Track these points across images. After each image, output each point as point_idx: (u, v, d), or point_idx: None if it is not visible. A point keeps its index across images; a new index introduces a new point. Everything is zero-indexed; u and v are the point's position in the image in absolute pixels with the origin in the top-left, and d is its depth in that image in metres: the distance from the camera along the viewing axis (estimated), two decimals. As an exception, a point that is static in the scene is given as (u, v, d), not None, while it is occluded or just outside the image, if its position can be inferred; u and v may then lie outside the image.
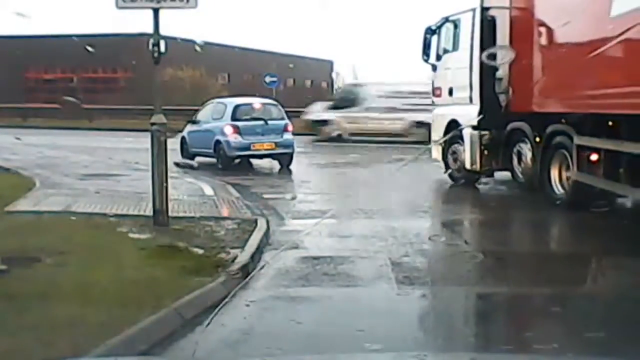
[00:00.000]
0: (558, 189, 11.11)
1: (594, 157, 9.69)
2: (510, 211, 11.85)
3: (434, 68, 14.70)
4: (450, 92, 14.06)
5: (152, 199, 9.33)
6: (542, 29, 11.20)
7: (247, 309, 6.35)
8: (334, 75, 54.73)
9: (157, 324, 5.53)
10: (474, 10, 13.06)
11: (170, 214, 9.43)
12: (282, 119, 17.81)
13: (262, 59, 44.25)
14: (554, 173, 11.14)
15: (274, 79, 31.92)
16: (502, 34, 12.49)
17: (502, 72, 12.66)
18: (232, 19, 74.21)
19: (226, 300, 6.18)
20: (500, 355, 3.36)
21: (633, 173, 8.55)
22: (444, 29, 14.25)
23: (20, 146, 21.11)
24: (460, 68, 13.48)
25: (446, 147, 14.14)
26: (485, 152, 12.99)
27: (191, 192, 12.60)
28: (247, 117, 17.47)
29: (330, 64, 55.27)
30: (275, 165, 17.62)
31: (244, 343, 5.52)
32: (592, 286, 6.78)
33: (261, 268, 7.64)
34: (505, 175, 13.31)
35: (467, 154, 13.35)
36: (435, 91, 14.86)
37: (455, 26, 13.83)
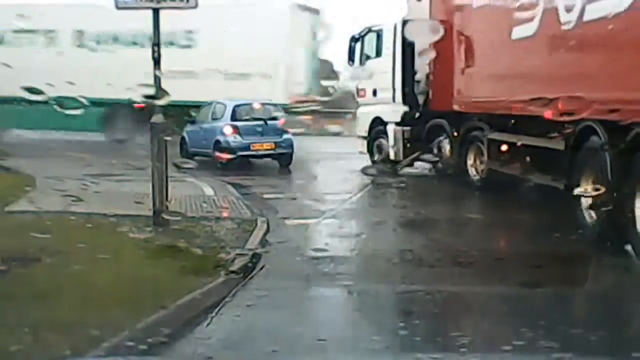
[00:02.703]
0: (474, 175, 13.35)
1: (503, 148, 11.60)
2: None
3: (358, 72, 16.78)
4: (375, 93, 16.11)
5: (152, 198, 9.33)
6: (459, 41, 13.22)
7: (247, 309, 6.35)
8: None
9: (157, 324, 5.52)
10: (395, 23, 14.98)
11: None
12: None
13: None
14: (470, 162, 13.39)
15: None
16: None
17: (420, 75, 14.75)
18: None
19: (226, 300, 6.19)
20: (500, 356, 3.36)
21: (532, 161, 10.58)
22: (367, 38, 16.27)
23: (20, 146, 21.08)
24: (383, 72, 15.29)
25: (371, 141, 16.27)
26: (408, 145, 14.98)
27: (191, 192, 12.59)
28: (247, 117, 17.47)
29: (330, 65, 55.10)
30: (275, 165, 17.62)
31: (244, 343, 5.51)
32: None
33: (261, 268, 7.64)
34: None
35: (391, 147, 15.40)
36: (360, 92, 17.07)
37: (378, 36, 15.88)
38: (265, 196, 12.81)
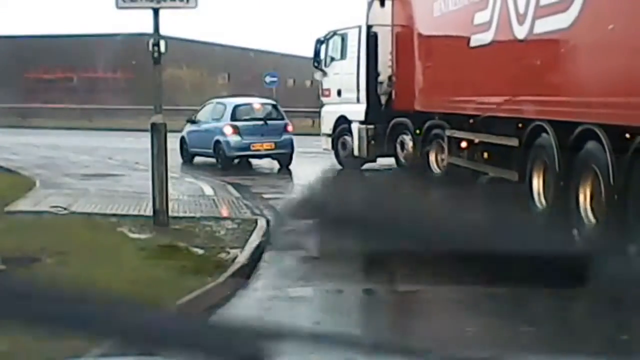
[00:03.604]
0: (435, 170, 14.35)
1: (463, 144, 12.48)
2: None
3: (324, 73, 17.47)
4: (339, 93, 16.86)
5: (152, 199, 9.34)
6: (420, 45, 14.38)
7: (247, 309, 6.36)
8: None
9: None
10: (359, 27, 15.90)
11: (170, 213, 9.44)
12: (282, 119, 17.82)
13: (262, 59, 44.29)
14: (432, 157, 14.38)
15: (274, 79, 31.86)
16: (383, 47, 15.60)
17: (382, 77, 15.74)
18: (232, 19, 74.24)
19: (226, 300, 6.19)
20: (500, 356, 3.36)
21: (489, 156, 11.54)
22: (331, 41, 17.00)
23: (20, 146, 21.11)
24: (348, 73, 16.23)
25: (335, 138, 17.05)
26: (372, 142, 15.92)
27: (191, 192, 12.60)
28: (247, 117, 17.47)
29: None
30: (275, 165, 17.62)
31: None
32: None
33: (261, 268, 7.64)
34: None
35: (355, 144, 16.22)
36: (325, 92, 17.69)
37: (343, 39, 16.62)
38: (265, 196, 12.81)
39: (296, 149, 17.57)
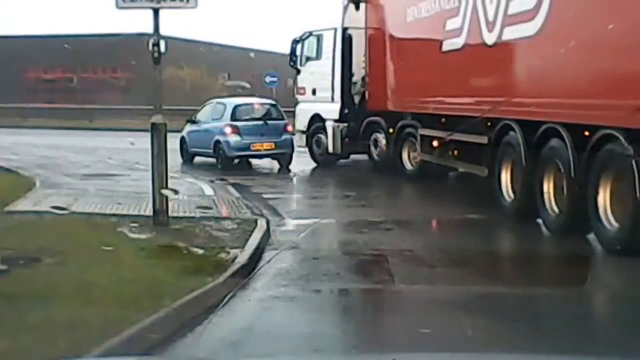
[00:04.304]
0: (408, 166, 15.17)
1: (434, 143, 13.14)
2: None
3: (298, 72, 18.18)
4: (314, 92, 17.51)
5: (152, 199, 9.33)
6: (392, 47, 15.15)
7: (247, 309, 6.35)
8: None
9: (156, 324, 5.52)
10: (335, 29, 16.71)
11: (170, 214, 9.44)
12: (282, 119, 17.81)
13: (262, 59, 44.25)
14: (405, 155, 15.17)
15: (274, 79, 31.84)
16: (357, 48, 16.31)
17: (356, 77, 16.46)
18: (232, 19, 74.23)
19: (226, 300, 6.19)
20: (500, 355, 3.37)
21: (460, 153, 12.33)
22: (307, 42, 17.67)
23: (20, 146, 21.10)
24: (323, 73, 16.93)
25: (310, 136, 17.62)
26: (346, 139, 16.68)
27: (191, 192, 12.59)
28: (247, 117, 17.47)
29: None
30: (275, 165, 17.62)
31: (243, 343, 5.52)
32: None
33: (261, 268, 7.64)
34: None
35: (330, 141, 16.90)
36: (299, 90, 18.30)
37: (318, 40, 17.32)
38: (265, 196, 12.81)
39: (296, 149, 17.61)
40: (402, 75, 14.82)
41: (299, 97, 18.38)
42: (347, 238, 9.76)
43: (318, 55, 17.31)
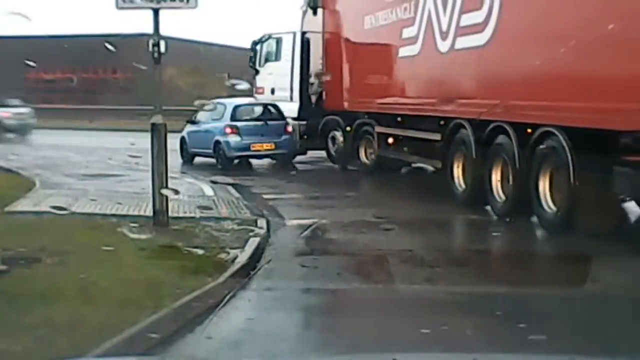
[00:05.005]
0: (365, 161, 16.21)
1: (390, 140, 14.43)
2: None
3: (257, 72, 19.10)
4: (272, 92, 18.41)
5: (152, 199, 9.33)
6: (349, 51, 16.27)
7: (247, 309, 6.36)
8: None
9: (157, 324, 5.52)
10: (294, 32, 17.73)
11: (170, 214, 9.44)
12: (282, 119, 17.79)
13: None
14: (362, 151, 16.26)
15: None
16: (315, 51, 17.37)
17: (312, 79, 17.49)
18: (232, 19, 74.14)
19: (226, 300, 6.19)
20: (500, 356, 3.37)
21: (416, 148, 13.45)
22: (266, 44, 18.69)
23: (20, 146, 21.10)
24: (282, 74, 17.89)
25: None
26: (305, 137, 17.55)
27: (191, 193, 12.59)
28: (247, 117, 17.48)
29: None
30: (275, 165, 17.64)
31: (243, 343, 5.52)
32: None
33: (261, 268, 7.64)
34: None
35: None
36: (258, 90, 19.08)
37: (277, 42, 18.29)
38: (265, 196, 12.82)
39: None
40: (359, 78, 15.71)
41: (258, 97, 18.99)
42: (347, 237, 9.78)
43: (277, 57, 18.29)
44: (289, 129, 17.68)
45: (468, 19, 11.11)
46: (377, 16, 14.63)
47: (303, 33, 17.58)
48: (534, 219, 9.72)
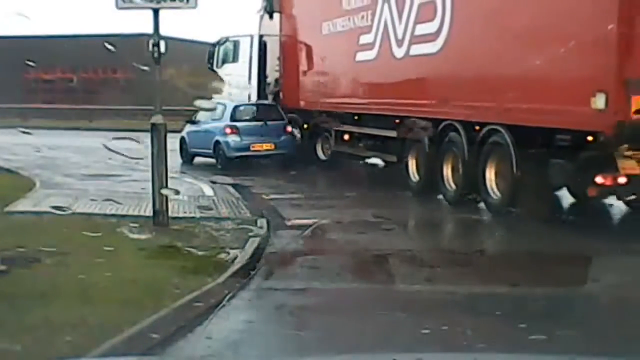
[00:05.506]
0: (322, 157, 17.26)
1: (346, 136, 15.65)
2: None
3: (215, 73, 19.88)
4: (230, 92, 18.98)
5: (152, 199, 9.33)
6: (303, 52, 17.25)
7: (247, 309, 6.36)
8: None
9: (157, 325, 5.52)
10: (252, 35, 18.59)
11: (170, 214, 9.43)
12: (282, 119, 17.79)
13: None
14: (319, 147, 17.31)
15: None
16: (272, 53, 18.27)
17: (270, 79, 18.45)
18: (232, 20, 74.15)
19: (226, 300, 6.19)
20: (500, 356, 3.37)
21: (372, 144, 14.62)
22: (224, 46, 19.58)
23: (20, 147, 21.08)
24: (240, 75, 18.63)
25: None
26: None
27: (191, 193, 12.59)
28: (247, 117, 17.48)
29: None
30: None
31: (243, 343, 5.52)
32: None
33: (261, 268, 7.64)
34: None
35: None
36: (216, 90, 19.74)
37: (235, 45, 19.12)
38: (265, 196, 12.82)
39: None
40: (317, 80, 16.69)
41: (215, 97, 19.31)
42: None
43: (235, 59, 19.10)
44: (289, 129, 17.68)
45: (422, 29, 12.26)
46: (334, 23, 15.57)
47: (260, 36, 18.46)
48: (481, 204, 11.01)
